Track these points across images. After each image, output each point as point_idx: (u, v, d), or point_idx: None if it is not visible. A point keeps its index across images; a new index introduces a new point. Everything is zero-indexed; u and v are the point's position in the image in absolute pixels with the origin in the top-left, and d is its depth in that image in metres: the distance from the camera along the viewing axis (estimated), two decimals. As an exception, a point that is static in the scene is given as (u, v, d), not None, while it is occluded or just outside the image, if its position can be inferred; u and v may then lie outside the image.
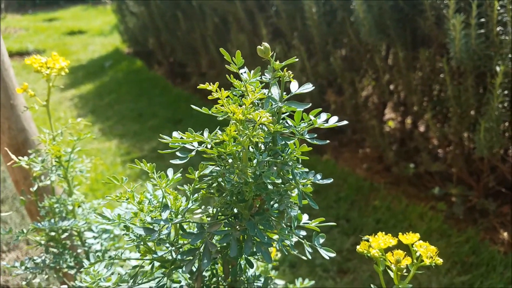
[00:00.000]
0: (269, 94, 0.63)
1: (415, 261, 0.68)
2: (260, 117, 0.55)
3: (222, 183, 0.61)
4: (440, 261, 0.67)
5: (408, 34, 2.23)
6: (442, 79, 2.11)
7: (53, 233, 0.88)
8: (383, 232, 0.73)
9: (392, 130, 2.74)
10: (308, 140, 0.65)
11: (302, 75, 3.00)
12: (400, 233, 0.70)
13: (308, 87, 0.66)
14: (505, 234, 2.10)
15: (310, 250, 0.66)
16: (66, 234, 0.93)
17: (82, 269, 0.80)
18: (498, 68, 1.79)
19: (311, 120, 0.66)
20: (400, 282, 0.68)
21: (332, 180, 0.72)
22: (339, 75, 2.76)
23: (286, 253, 0.65)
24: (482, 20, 1.82)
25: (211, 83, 0.61)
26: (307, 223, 0.68)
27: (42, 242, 0.88)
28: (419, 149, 2.37)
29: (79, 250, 0.95)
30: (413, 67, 2.31)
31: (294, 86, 0.65)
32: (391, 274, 0.69)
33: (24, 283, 0.85)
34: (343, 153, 3.00)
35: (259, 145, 0.64)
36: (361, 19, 2.14)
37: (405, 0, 2.13)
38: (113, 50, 6.26)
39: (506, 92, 1.87)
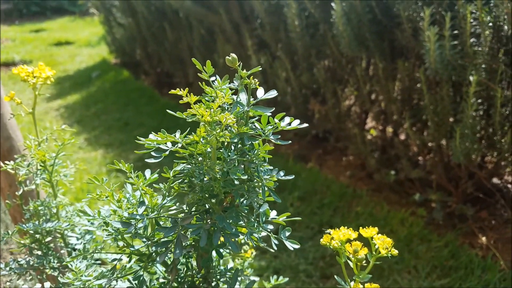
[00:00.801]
0: (238, 99, 0.68)
1: (374, 252, 0.73)
2: (225, 118, 0.60)
3: (193, 179, 0.65)
4: (395, 252, 0.71)
5: (386, 45, 2.32)
6: (419, 88, 2.19)
7: (37, 236, 0.90)
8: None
9: (373, 138, 2.81)
10: (272, 140, 0.70)
11: (287, 85, 3.07)
12: (360, 228, 0.74)
13: (273, 93, 0.71)
14: (483, 238, 2.16)
15: (276, 242, 0.71)
16: (50, 237, 0.95)
17: (65, 269, 0.82)
18: (471, 78, 1.87)
19: (276, 123, 0.71)
20: (361, 273, 0.72)
21: (293, 176, 0.79)
22: (322, 85, 2.83)
23: (254, 245, 0.69)
24: (456, 32, 1.91)
25: (181, 89, 0.66)
26: (275, 218, 0.73)
27: (26, 242, 0.90)
28: (399, 156, 2.44)
29: (62, 251, 0.97)
30: (392, 77, 2.39)
31: (260, 93, 0.70)
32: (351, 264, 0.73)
33: (8, 284, 0.86)
34: (327, 161, 3.06)
35: (230, 146, 0.69)
36: (341, 32, 2.22)
37: (383, 13, 2.21)
38: (100, 60, 6.28)
39: (480, 100, 1.96)
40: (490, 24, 1.81)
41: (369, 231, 0.73)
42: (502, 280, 1.85)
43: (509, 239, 2.13)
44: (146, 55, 4.85)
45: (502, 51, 2.00)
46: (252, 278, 0.86)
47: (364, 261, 0.72)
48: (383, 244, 0.71)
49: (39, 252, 0.91)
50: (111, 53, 5.91)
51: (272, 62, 3.07)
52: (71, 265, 0.76)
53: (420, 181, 2.43)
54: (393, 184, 2.49)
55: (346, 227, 0.74)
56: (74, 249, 0.93)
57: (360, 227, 0.75)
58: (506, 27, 1.80)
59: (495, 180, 2.41)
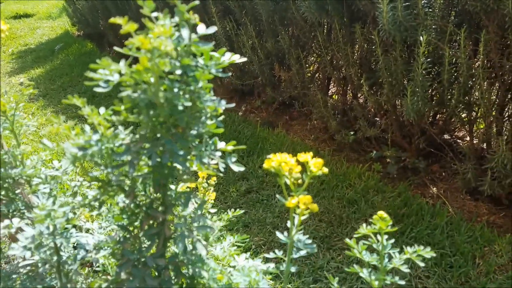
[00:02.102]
0: (180, 34, 0.74)
1: (308, 173, 0.83)
2: (164, 45, 0.67)
3: (140, 106, 0.71)
4: (325, 170, 0.82)
5: (345, 9, 2.40)
6: (376, 51, 2.30)
7: (5, 185, 0.96)
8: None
9: (335, 102, 2.93)
10: (213, 73, 0.76)
11: (253, 53, 3.12)
12: (298, 154, 0.84)
13: (213, 29, 0.76)
14: (434, 189, 2.36)
15: (223, 165, 0.78)
16: (18, 190, 1.01)
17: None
18: (422, 38, 2.00)
19: (217, 57, 0.76)
20: (298, 189, 0.83)
21: (234, 104, 0.87)
22: (286, 52, 2.91)
23: (203, 169, 0.76)
24: (408, -6, 2.01)
25: (120, 18, 0.71)
26: (222, 147, 0.80)
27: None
28: (358, 118, 2.58)
29: (29, 196, 1.03)
30: (351, 41, 2.49)
31: (201, 29, 0.76)
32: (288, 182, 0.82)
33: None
34: (293, 126, 3.18)
35: (175, 79, 0.75)
36: (302, -4, 2.28)
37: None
38: (62, 33, 6.07)
39: (429, 59, 2.09)
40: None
41: (304, 156, 0.83)
42: (449, 224, 2.05)
43: (457, 189, 2.33)
44: (110, 26, 4.75)
45: (453, 13, 2.13)
46: (211, 210, 0.95)
47: (300, 180, 0.82)
48: (315, 164, 0.81)
49: (6, 199, 0.96)
50: (74, 25, 5.73)
51: (237, 30, 3.11)
52: (37, 203, 0.83)
53: (377, 140, 2.59)
54: (353, 144, 2.64)
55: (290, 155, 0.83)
56: (43, 194, 1.00)
57: (299, 155, 0.84)
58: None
59: (446, 136, 2.60)
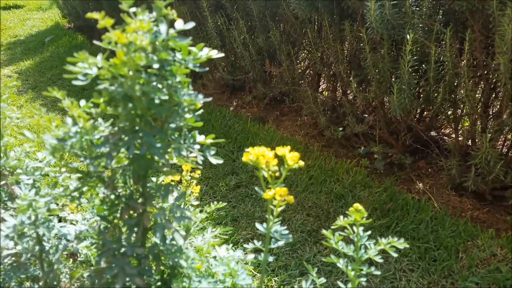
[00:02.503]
0: (157, 29, 0.75)
1: (286, 166, 0.85)
2: (139, 40, 0.68)
3: (117, 99, 0.72)
4: (301, 163, 0.84)
5: (335, 7, 2.42)
6: (364, 48, 2.32)
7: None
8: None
9: (325, 99, 2.95)
10: (191, 67, 0.77)
11: (245, 49, 3.13)
12: (276, 147, 0.86)
13: (191, 24, 0.77)
14: (420, 185, 2.39)
15: (202, 158, 0.79)
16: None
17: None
18: (409, 36, 2.02)
19: (195, 53, 0.77)
20: (275, 182, 0.84)
21: (211, 98, 0.88)
22: (277, 48, 2.92)
23: (182, 161, 0.77)
24: (396, -8, 2.03)
25: (97, 13, 0.72)
26: (201, 140, 0.81)
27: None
28: (346, 114, 2.60)
29: (12, 187, 1.04)
30: (340, 38, 2.51)
31: (178, 24, 0.76)
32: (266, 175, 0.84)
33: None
34: (283, 121, 3.20)
35: (152, 73, 0.76)
36: (292, -9, 2.29)
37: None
38: (53, 25, 6.01)
39: (416, 57, 2.12)
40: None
41: (282, 150, 0.84)
42: (434, 218, 2.08)
43: (442, 185, 2.37)
44: (101, 19, 4.71)
45: (441, 12, 2.15)
46: (193, 202, 0.97)
47: (277, 173, 0.84)
48: (292, 158, 0.83)
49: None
50: (64, 17, 5.68)
51: (228, 25, 3.11)
52: (20, 193, 0.84)
53: (365, 136, 2.61)
54: (341, 140, 2.67)
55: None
56: (26, 185, 1.00)
57: (277, 149, 0.86)
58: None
59: (433, 133, 2.64)
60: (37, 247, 0.90)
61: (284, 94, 3.28)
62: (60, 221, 1.33)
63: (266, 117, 3.27)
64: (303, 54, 3.17)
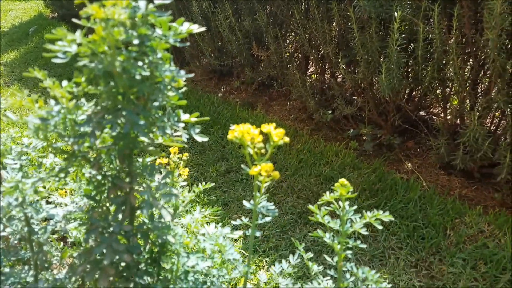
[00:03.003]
0: (137, 4, 0.74)
1: (271, 142, 0.85)
2: (117, 14, 0.67)
3: (97, 76, 0.71)
4: (287, 139, 0.84)
5: (322, -13, 2.40)
6: (352, 28, 2.31)
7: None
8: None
9: (314, 81, 2.95)
10: (171, 43, 0.76)
11: (231, 32, 3.10)
12: (262, 125, 0.86)
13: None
14: (409, 164, 2.42)
15: (187, 136, 0.78)
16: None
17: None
18: (396, 14, 2.01)
19: (176, 28, 0.76)
20: (261, 158, 0.85)
21: (193, 74, 0.86)
22: (264, 31, 2.89)
23: (167, 139, 0.76)
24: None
25: None
26: (186, 119, 0.81)
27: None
28: (335, 97, 2.60)
29: (1, 172, 1.03)
30: (328, 19, 2.50)
31: None
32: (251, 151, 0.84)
33: None
34: (272, 106, 3.19)
35: (132, 48, 0.75)
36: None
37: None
38: (36, 15, 5.89)
39: (404, 35, 2.11)
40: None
41: (267, 127, 0.84)
42: (422, 197, 2.11)
43: (431, 164, 2.39)
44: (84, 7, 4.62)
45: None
46: (182, 183, 0.97)
47: (263, 150, 0.84)
48: (277, 134, 0.83)
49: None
50: (47, 6, 5.56)
51: (214, 8, 3.07)
52: (7, 176, 0.83)
53: (354, 118, 2.62)
54: (330, 123, 2.68)
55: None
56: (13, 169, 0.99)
57: (263, 126, 0.86)
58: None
59: (422, 112, 2.66)
60: (25, 229, 0.90)
61: (272, 78, 3.27)
62: (49, 204, 1.32)
63: (255, 102, 3.26)
64: (291, 37, 3.15)
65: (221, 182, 2.34)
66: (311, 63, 3.19)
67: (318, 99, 2.77)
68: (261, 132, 0.85)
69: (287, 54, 2.99)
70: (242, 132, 0.82)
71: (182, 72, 0.76)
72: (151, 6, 0.73)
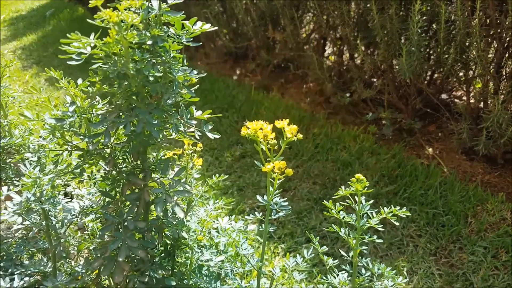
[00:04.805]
0: (150, 4, 0.72)
1: (284, 138, 0.83)
2: (130, 18, 0.65)
3: (111, 77, 0.71)
4: (300, 136, 0.82)
5: (340, -35, 2.31)
6: (371, 9, 2.23)
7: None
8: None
9: (331, 64, 2.88)
10: (184, 42, 0.75)
11: (246, 14, 3.04)
12: (275, 121, 0.84)
13: None
14: (430, 150, 2.36)
15: (199, 133, 0.77)
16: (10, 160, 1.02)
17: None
18: (417, -5, 1.92)
19: (189, 27, 0.75)
20: (274, 155, 0.83)
21: (205, 74, 0.85)
22: (280, 12, 2.82)
23: (177, 134, 0.76)
24: None
25: None
26: (199, 115, 0.80)
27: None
28: (354, 79, 2.54)
29: (18, 165, 1.04)
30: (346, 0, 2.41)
31: None
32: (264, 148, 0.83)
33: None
34: (288, 89, 3.15)
35: (146, 49, 0.74)
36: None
37: None
38: (54, -2, 5.92)
39: (425, 17, 2.03)
40: None
41: (281, 123, 0.83)
42: (443, 184, 2.06)
43: (453, 149, 2.33)
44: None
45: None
46: (196, 175, 0.96)
47: (276, 146, 0.82)
48: (290, 130, 0.81)
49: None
50: (65, -11, 5.56)
51: (229, -10, 3.01)
52: (25, 170, 0.84)
53: (373, 101, 2.56)
54: (348, 106, 2.62)
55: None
56: (31, 163, 1.01)
57: (276, 122, 0.84)
58: None
59: (444, 96, 2.57)
60: (44, 222, 0.92)
61: (288, 60, 3.21)
62: (66, 195, 1.34)
63: (270, 85, 3.22)
64: (308, 18, 3.07)
65: (236, 167, 2.33)
66: (328, 45, 3.12)
67: (335, 81, 2.71)
68: (274, 128, 0.83)
69: (304, 35, 2.92)
70: (255, 128, 0.81)
71: (195, 71, 0.75)
72: (164, 5, 0.72)
